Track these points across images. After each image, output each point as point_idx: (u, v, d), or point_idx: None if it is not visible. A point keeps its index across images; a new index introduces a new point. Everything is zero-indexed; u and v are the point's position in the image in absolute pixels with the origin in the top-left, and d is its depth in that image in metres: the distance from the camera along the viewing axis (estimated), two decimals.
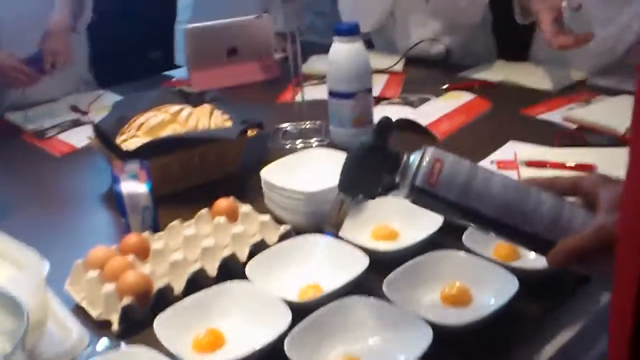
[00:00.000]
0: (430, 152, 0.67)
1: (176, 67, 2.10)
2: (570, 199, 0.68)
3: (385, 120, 0.70)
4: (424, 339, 0.73)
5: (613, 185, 0.65)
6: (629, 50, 1.55)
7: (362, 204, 1.02)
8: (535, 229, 0.65)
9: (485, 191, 0.66)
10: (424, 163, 0.66)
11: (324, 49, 1.52)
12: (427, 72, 1.81)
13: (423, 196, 0.67)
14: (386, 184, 0.70)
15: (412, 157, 0.68)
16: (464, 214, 0.68)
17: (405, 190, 0.68)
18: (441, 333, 0.74)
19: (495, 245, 0.91)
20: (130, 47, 2.42)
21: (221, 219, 1.01)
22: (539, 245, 0.66)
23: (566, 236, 0.63)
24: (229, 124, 1.27)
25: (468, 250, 0.89)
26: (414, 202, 0.69)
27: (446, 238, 0.93)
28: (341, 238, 0.91)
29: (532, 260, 0.87)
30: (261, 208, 1.06)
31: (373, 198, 0.72)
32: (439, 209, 0.70)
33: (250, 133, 1.23)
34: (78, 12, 1.77)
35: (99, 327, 0.86)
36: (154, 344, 0.77)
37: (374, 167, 0.69)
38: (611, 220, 0.61)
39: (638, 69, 0.37)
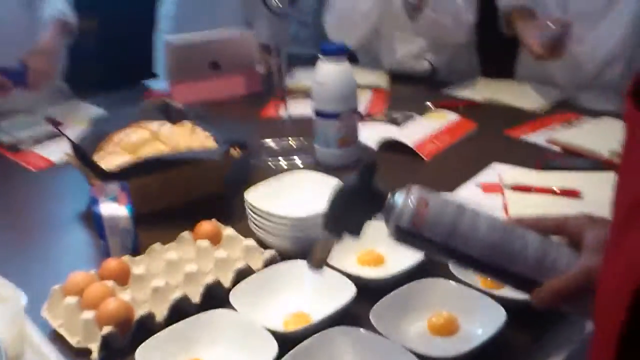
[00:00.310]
0: (416, 192, 0.67)
1: (154, 76, 2.06)
2: (556, 238, 0.68)
3: (371, 162, 0.70)
4: None
5: (598, 225, 0.65)
6: (603, 68, 1.57)
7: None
8: (520, 269, 0.65)
9: (472, 232, 0.65)
10: (410, 204, 0.66)
11: (308, 62, 1.51)
12: (411, 89, 1.81)
13: (408, 237, 0.67)
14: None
15: (396, 197, 0.67)
16: (449, 255, 0.67)
17: (390, 230, 0.68)
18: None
19: None
20: (108, 56, 2.38)
21: (204, 243, 0.99)
22: (524, 285, 0.66)
23: (551, 276, 0.64)
24: (210, 142, 1.24)
25: (455, 278, 0.88)
26: (399, 242, 0.68)
27: (433, 264, 0.92)
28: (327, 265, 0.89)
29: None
30: (245, 230, 1.04)
31: (358, 238, 0.71)
32: (424, 248, 0.70)
33: (234, 153, 1.21)
34: (64, 30, 1.75)
35: (77, 355, 0.83)
36: None
37: (359, 207, 0.69)
38: (596, 261, 0.62)
39: (626, 97, 0.37)
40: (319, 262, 0.73)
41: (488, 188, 1.20)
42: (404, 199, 0.66)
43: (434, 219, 0.66)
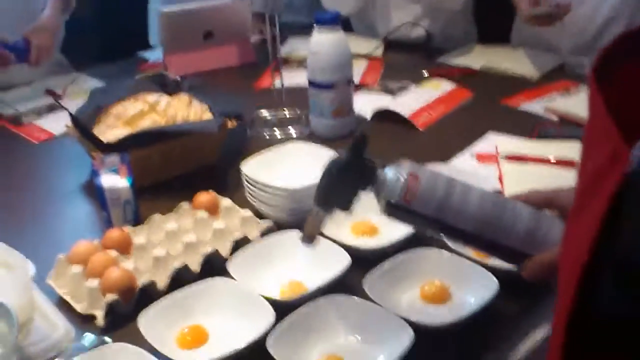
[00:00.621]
0: (407, 167, 0.67)
1: (150, 47, 2.06)
2: (548, 212, 0.69)
3: (361, 136, 0.70)
4: (404, 338, 0.75)
5: None
6: (603, 30, 1.58)
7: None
8: (511, 243, 0.66)
9: (463, 206, 0.66)
10: (400, 179, 0.66)
11: (303, 30, 1.51)
12: (407, 57, 1.82)
13: (399, 212, 0.68)
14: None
15: (387, 172, 0.68)
16: (440, 229, 0.69)
17: (381, 206, 0.68)
18: (421, 331, 0.76)
19: None
20: (103, 27, 2.37)
21: (203, 214, 1.01)
22: (515, 258, 0.67)
23: (542, 250, 0.65)
24: (207, 114, 1.26)
25: (448, 247, 0.90)
26: (390, 217, 0.69)
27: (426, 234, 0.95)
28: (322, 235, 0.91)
29: None
30: (242, 201, 1.07)
31: (349, 212, 0.72)
32: (415, 223, 0.71)
33: (230, 124, 1.23)
34: (65, 6, 1.76)
35: (83, 321, 0.86)
36: (138, 338, 0.78)
37: (349, 181, 0.70)
38: None
39: (590, 71, 0.38)
40: (311, 236, 0.74)
41: (483, 158, 1.22)
42: (394, 174, 0.67)
43: (425, 194, 0.66)
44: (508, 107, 1.44)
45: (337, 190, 0.71)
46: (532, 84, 1.55)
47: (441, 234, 0.71)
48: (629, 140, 0.34)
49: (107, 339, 0.82)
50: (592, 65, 0.37)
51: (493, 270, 0.84)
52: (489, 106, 1.46)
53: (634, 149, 0.34)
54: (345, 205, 0.71)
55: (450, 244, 0.90)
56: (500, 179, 1.13)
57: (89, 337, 0.82)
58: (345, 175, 0.70)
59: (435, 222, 0.67)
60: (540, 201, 0.69)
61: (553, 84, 1.53)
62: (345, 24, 1.94)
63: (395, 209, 0.67)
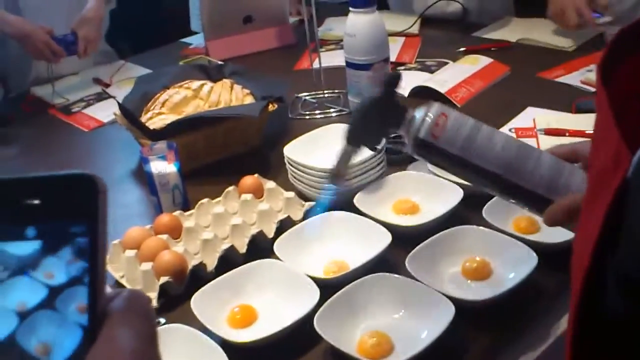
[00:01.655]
0: (436, 106, 0.69)
1: (192, 33, 2.10)
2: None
3: (394, 75, 0.71)
4: (446, 314, 0.77)
5: None
6: (636, 4, 1.55)
7: (382, 176, 1.05)
8: (534, 187, 0.67)
9: (488, 147, 0.67)
10: (429, 117, 0.68)
11: (339, 9, 1.51)
12: (443, 33, 1.81)
13: (425, 149, 0.69)
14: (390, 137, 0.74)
15: (417, 111, 0.69)
16: (464, 169, 0.69)
17: (408, 142, 0.69)
18: (462, 307, 0.78)
19: (514, 219, 0.95)
20: (146, 15, 2.42)
21: (247, 196, 1.05)
22: (537, 203, 0.67)
23: (563, 195, 0.65)
24: (249, 98, 1.30)
25: (488, 224, 0.92)
26: (417, 154, 0.70)
27: (466, 211, 0.97)
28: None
29: (550, 234, 0.90)
30: (285, 184, 1.10)
31: (375, 150, 0.74)
32: (440, 161, 0.71)
33: (271, 107, 1.26)
34: None
35: None
36: (191, 318, 0.83)
37: (379, 119, 0.71)
38: None
39: (596, 69, 0.38)
40: (338, 173, 0.76)
41: (522, 133, 1.22)
42: (424, 112, 0.68)
43: (452, 132, 0.67)
44: (546, 80, 1.44)
45: (367, 127, 0.72)
46: (570, 56, 1.53)
47: (465, 174, 0.70)
48: (633, 136, 0.34)
49: (161, 320, 0.87)
50: (598, 65, 0.37)
51: (532, 245, 0.85)
52: (526, 80, 1.46)
53: (636, 154, 0.34)
54: (374, 143, 0.73)
55: (490, 219, 0.91)
56: None
57: None
58: (376, 113, 0.71)
59: (460, 161, 0.68)
60: (564, 153, 0.70)
61: (591, 55, 1.51)
62: (381, 2, 1.95)
63: (422, 146, 0.68)
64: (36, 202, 0.32)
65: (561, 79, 1.43)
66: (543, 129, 1.20)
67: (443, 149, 0.67)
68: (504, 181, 0.68)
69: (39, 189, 0.33)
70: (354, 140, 0.73)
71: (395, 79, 0.71)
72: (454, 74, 1.47)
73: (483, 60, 1.53)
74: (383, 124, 0.71)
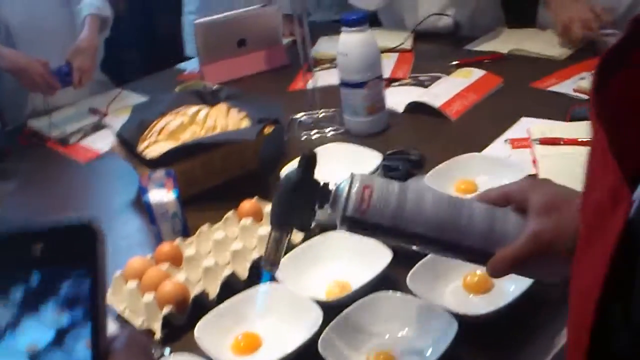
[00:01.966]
0: (358, 179, 0.67)
1: (187, 58, 2.12)
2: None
3: (309, 153, 0.69)
4: (450, 329, 0.77)
5: (541, 188, 0.67)
6: (632, 8, 1.56)
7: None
8: (471, 242, 0.66)
9: (418, 211, 0.66)
10: (353, 192, 0.66)
11: (332, 28, 1.53)
12: (436, 47, 1.83)
13: (356, 225, 0.67)
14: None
15: (340, 186, 0.68)
16: (400, 237, 0.68)
17: (338, 221, 0.68)
18: (465, 322, 0.78)
19: None
20: (140, 43, 2.44)
21: (247, 221, 1.05)
22: (478, 257, 0.67)
23: (502, 245, 0.65)
24: (245, 121, 1.30)
25: None
26: (350, 231, 0.68)
27: None
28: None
29: None
30: None
31: (307, 231, 0.71)
32: (375, 234, 0.70)
33: (267, 130, 1.26)
34: (103, 28, 1.82)
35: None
36: (195, 347, 0.83)
37: (304, 200, 0.69)
38: (543, 225, 0.63)
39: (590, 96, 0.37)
40: (273, 261, 0.73)
41: (517, 143, 1.22)
42: (347, 188, 0.67)
43: (379, 204, 0.66)
44: (539, 90, 1.44)
45: (292, 209, 0.70)
46: (562, 65, 1.54)
47: (401, 242, 0.69)
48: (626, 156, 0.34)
49: (167, 350, 0.87)
50: (591, 91, 0.37)
51: None
52: (519, 90, 1.46)
53: (636, 192, 0.33)
54: (303, 223, 0.71)
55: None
56: (535, 163, 1.14)
57: None
58: (299, 193, 0.69)
59: (393, 231, 0.67)
60: (494, 198, 0.69)
61: (582, 63, 1.53)
62: (373, 19, 1.97)
63: (352, 223, 0.67)
64: (41, 249, 0.35)
65: (554, 88, 1.44)
66: (538, 138, 1.21)
67: (373, 223, 0.66)
68: (440, 242, 0.67)
69: (43, 237, 0.36)
70: (281, 225, 0.71)
71: (312, 157, 0.69)
72: (448, 88, 1.48)
73: (476, 73, 1.54)
74: (309, 204, 0.69)
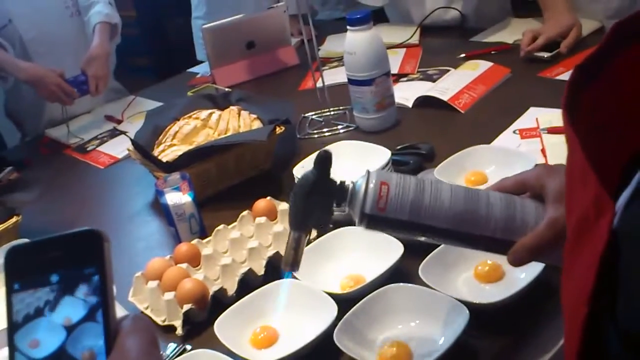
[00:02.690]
0: (375, 176, 0.67)
1: (198, 63, 2.15)
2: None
3: (324, 154, 0.68)
4: (462, 318, 0.79)
5: (557, 174, 0.66)
6: None
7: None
8: (491, 233, 0.66)
9: (436, 205, 0.66)
10: (370, 188, 0.65)
11: (340, 26, 1.55)
12: (443, 40, 1.84)
13: (375, 222, 0.66)
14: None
15: (357, 184, 0.67)
16: (420, 232, 0.67)
17: (357, 219, 0.67)
18: (477, 310, 0.80)
19: None
20: (152, 49, 2.48)
21: (262, 219, 1.08)
22: (498, 247, 0.67)
23: (522, 234, 0.65)
24: (257, 122, 1.33)
25: None
26: (369, 228, 0.68)
27: None
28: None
29: None
30: None
31: (325, 230, 0.70)
32: (394, 230, 0.69)
33: (279, 130, 1.29)
34: (113, 35, 1.86)
35: (165, 331, 0.94)
36: (215, 343, 0.85)
37: (321, 200, 0.68)
38: (561, 212, 0.63)
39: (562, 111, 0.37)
40: (293, 262, 0.72)
41: (525, 133, 1.24)
42: (364, 185, 0.66)
43: (397, 200, 0.65)
44: (547, 80, 1.45)
45: (310, 210, 0.69)
46: (569, 53, 1.54)
47: (423, 236, 0.68)
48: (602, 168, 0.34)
49: (188, 346, 0.90)
50: (563, 105, 0.37)
51: None
52: (528, 80, 1.47)
53: (619, 201, 0.34)
54: (322, 224, 0.71)
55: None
56: (544, 152, 1.15)
57: (171, 347, 0.90)
58: (315, 194, 0.68)
59: (413, 226, 0.66)
60: (510, 187, 0.69)
61: (588, 50, 1.51)
62: (380, 14, 1.99)
63: (372, 220, 0.66)
64: (57, 255, 0.44)
65: (562, 77, 1.44)
66: (546, 127, 1.22)
67: (392, 219, 0.66)
68: (461, 234, 0.67)
69: (58, 245, 0.45)
70: (299, 226, 0.70)
71: (327, 157, 0.68)
72: (456, 81, 1.49)
73: (483, 65, 1.55)
74: (326, 204, 0.68)
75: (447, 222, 0.66)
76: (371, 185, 0.66)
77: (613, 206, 0.34)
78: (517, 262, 0.66)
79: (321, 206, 0.69)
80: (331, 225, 1.00)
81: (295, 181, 1.13)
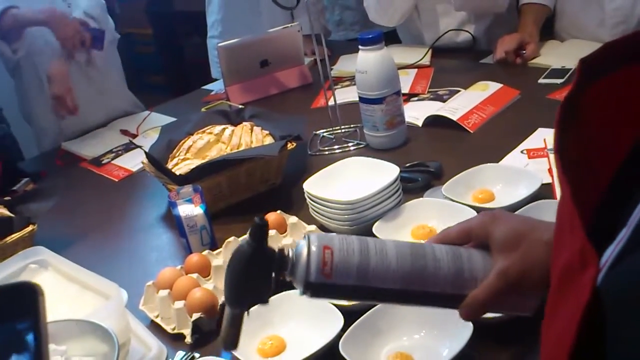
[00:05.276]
0: (316, 240, 0.63)
1: (213, 81, 2.19)
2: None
3: (260, 222, 0.63)
4: (465, 331, 0.80)
5: (501, 222, 0.66)
6: None
7: (399, 204, 1.09)
8: (441, 289, 0.64)
9: (383, 266, 0.63)
10: (313, 255, 0.62)
11: (352, 46, 1.58)
12: (454, 62, 1.86)
13: (321, 290, 0.63)
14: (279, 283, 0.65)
15: (297, 251, 0.63)
16: (369, 295, 0.65)
17: (300, 288, 0.63)
18: (482, 323, 0.80)
19: None
20: (169, 66, 2.53)
21: (272, 232, 1.10)
22: (449, 302, 0.66)
23: (472, 287, 0.64)
24: (269, 138, 1.36)
25: None
26: (314, 297, 0.64)
27: None
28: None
29: None
30: (307, 218, 1.15)
31: (267, 303, 0.65)
32: (341, 296, 0.66)
33: (290, 146, 1.31)
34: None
35: (174, 339, 0.96)
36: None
37: (259, 271, 0.63)
38: (509, 261, 0.63)
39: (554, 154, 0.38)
40: (232, 342, 0.67)
41: (533, 154, 1.25)
42: (306, 251, 0.62)
43: (342, 265, 0.62)
44: (556, 101, 1.47)
45: (247, 283, 0.64)
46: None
47: (372, 300, 0.67)
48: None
49: (196, 354, 0.92)
50: (555, 150, 0.37)
51: None
52: (537, 102, 1.49)
53: (603, 257, 0.34)
54: (262, 296, 0.65)
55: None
56: (550, 172, 1.17)
57: (180, 355, 0.92)
58: (253, 265, 0.63)
59: (361, 290, 0.63)
60: (455, 237, 0.68)
61: None
62: (392, 36, 2.02)
63: (316, 288, 0.63)
64: None
65: None
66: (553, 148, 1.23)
67: (339, 285, 0.62)
68: (411, 293, 0.64)
69: None
70: (238, 303, 0.65)
71: (263, 225, 0.63)
72: (466, 101, 1.52)
73: (493, 86, 1.58)
74: (264, 275, 0.63)
75: (395, 283, 0.63)
76: (314, 250, 0.62)
77: (597, 260, 0.34)
78: (470, 316, 0.66)
79: (259, 278, 0.64)
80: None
81: (305, 194, 1.15)
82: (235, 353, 0.85)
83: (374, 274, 0.63)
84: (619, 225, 0.36)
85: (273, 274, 0.64)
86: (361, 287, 0.63)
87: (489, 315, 0.83)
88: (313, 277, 0.62)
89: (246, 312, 0.66)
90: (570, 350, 0.34)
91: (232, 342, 0.67)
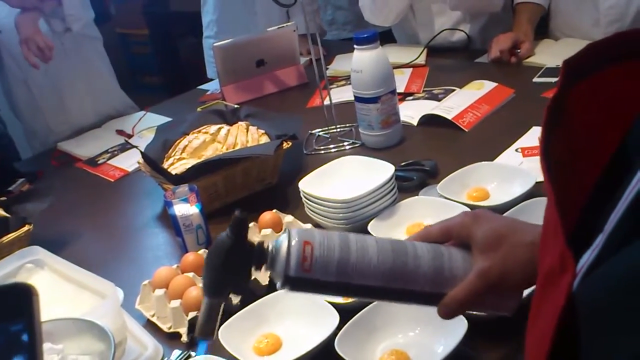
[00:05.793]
0: (296, 235, 0.63)
1: (208, 81, 2.19)
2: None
3: (240, 215, 0.64)
4: (460, 327, 0.80)
5: (482, 222, 0.66)
6: (638, 20, 1.59)
7: (395, 202, 1.10)
8: (422, 287, 0.64)
9: (364, 262, 0.63)
10: (293, 249, 0.62)
11: (348, 46, 1.59)
12: (449, 61, 1.87)
13: (300, 284, 0.63)
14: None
15: (277, 245, 0.63)
16: (348, 291, 0.65)
17: (279, 282, 0.64)
18: (477, 320, 0.81)
19: None
20: (164, 66, 2.53)
21: (267, 231, 1.10)
22: (429, 300, 0.66)
23: (452, 285, 0.64)
24: (264, 137, 1.36)
25: None
26: (292, 291, 0.64)
27: None
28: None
29: None
30: (303, 217, 1.15)
31: (245, 294, 0.66)
32: (320, 292, 0.65)
33: (285, 145, 1.32)
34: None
35: (170, 338, 0.96)
36: (220, 350, 0.87)
37: (238, 263, 0.64)
38: (490, 262, 0.63)
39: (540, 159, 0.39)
40: (208, 331, 0.68)
41: (527, 152, 1.26)
42: (286, 246, 0.62)
43: (322, 260, 0.62)
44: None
45: (226, 274, 0.65)
46: None
47: (351, 296, 0.66)
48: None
49: (192, 353, 0.92)
50: (541, 154, 0.38)
51: None
52: (531, 101, 1.50)
53: (579, 264, 0.34)
54: (240, 287, 0.67)
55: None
56: None
57: (176, 353, 0.92)
58: (232, 257, 0.64)
59: (339, 286, 0.63)
60: (436, 236, 0.68)
61: None
62: (387, 35, 2.02)
63: (296, 283, 0.63)
64: None
65: None
66: None
67: (318, 280, 0.62)
68: (390, 290, 0.64)
69: None
70: (215, 293, 0.67)
71: (243, 219, 0.64)
72: (461, 100, 1.52)
73: (488, 85, 1.58)
74: (243, 267, 0.64)
75: (375, 280, 0.63)
76: (294, 245, 0.62)
77: (574, 267, 0.34)
78: (449, 315, 0.66)
79: (238, 270, 0.65)
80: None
81: (301, 193, 1.15)
82: (232, 351, 0.86)
83: (354, 269, 0.63)
84: (596, 231, 0.36)
85: (252, 267, 0.64)
86: (341, 282, 0.63)
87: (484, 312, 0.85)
88: (292, 272, 0.62)
89: (222, 303, 0.67)
90: (547, 354, 0.34)
91: (208, 331, 0.68)
